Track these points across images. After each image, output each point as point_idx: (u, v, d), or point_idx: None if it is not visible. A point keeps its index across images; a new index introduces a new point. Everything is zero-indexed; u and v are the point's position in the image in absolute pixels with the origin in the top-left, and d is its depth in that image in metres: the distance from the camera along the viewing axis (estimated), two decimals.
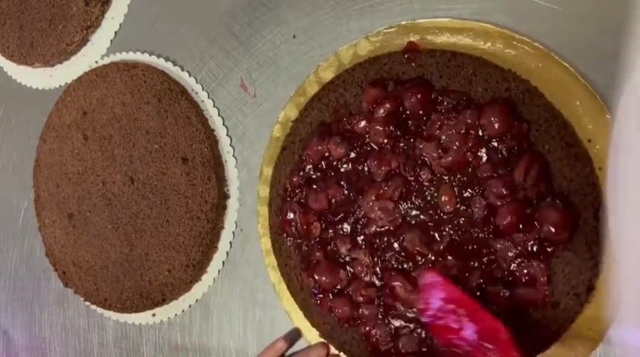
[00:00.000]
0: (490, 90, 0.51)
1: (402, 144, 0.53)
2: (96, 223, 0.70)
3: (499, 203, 0.49)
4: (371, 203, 0.54)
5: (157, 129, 0.65)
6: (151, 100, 0.66)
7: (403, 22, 0.55)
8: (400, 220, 0.53)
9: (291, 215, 0.58)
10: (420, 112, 0.53)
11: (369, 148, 0.55)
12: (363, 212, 0.54)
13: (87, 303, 0.73)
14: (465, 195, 0.51)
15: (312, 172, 0.58)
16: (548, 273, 0.49)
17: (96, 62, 0.74)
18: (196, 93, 0.67)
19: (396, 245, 0.53)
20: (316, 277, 0.56)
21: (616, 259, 0.43)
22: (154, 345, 0.70)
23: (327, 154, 0.56)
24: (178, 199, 0.64)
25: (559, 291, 0.49)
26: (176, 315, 0.68)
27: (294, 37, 0.61)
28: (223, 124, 0.65)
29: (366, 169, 0.55)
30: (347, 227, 0.55)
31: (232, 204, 0.64)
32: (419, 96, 0.52)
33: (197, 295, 0.66)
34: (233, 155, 0.65)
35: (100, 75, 0.70)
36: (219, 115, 0.66)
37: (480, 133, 0.50)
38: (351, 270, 0.55)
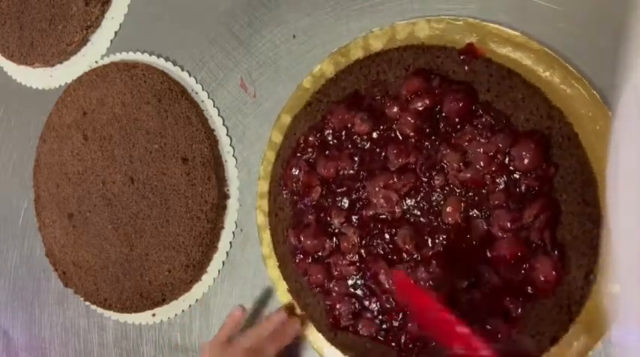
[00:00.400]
0: (532, 121, 0.49)
1: (426, 143, 0.52)
2: (96, 223, 0.70)
3: (499, 234, 0.49)
4: (377, 188, 0.53)
5: (157, 129, 0.65)
6: (151, 100, 0.66)
7: (470, 19, 0.52)
8: (399, 214, 0.53)
9: (295, 171, 0.57)
10: (456, 119, 0.51)
11: (393, 135, 0.53)
12: (366, 194, 0.54)
13: (87, 303, 0.73)
14: (470, 213, 0.50)
15: (329, 138, 0.56)
16: (522, 313, 0.48)
17: (96, 62, 0.74)
18: (196, 93, 0.67)
19: (387, 236, 0.53)
20: (302, 239, 0.56)
21: (616, 258, 0.43)
22: (154, 345, 0.70)
23: (350, 125, 0.55)
24: (178, 199, 0.64)
25: (524, 330, 0.48)
26: (176, 315, 0.68)
27: (294, 37, 0.61)
28: (223, 124, 0.65)
29: (383, 154, 0.54)
30: (346, 202, 0.55)
31: (232, 204, 0.64)
32: (461, 104, 0.50)
33: (197, 295, 0.66)
34: (233, 155, 0.65)
35: (100, 75, 0.70)
36: (219, 115, 0.66)
37: (507, 161, 0.49)
38: (337, 243, 0.55)
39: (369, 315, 0.54)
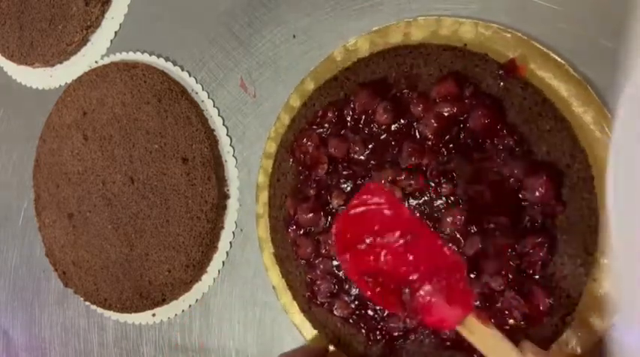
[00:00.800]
0: (553, 155, 0.48)
1: (443, 149, 0.51)
2: (96, 223, 0.70)
3: (491, 255, 0.48)
4: (383, 181, 0.52)
5: (157, 129, 0.65)
6: (151, 100, 0.66)
7: (519, 34, 0.50)
8: None
9: (306, 143, 0.57)
10: (479, 133, 0.50)
11: (411, 133, 0.52)
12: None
13: (87, 303, 0.73)
14: (468, 229, 0.49)
15: (348, 118, 0.55)
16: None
17: (96, 62, 0.74)
18: (196, 93, 0.67)
19: None
20: (298, 210, 0.56)
21: (616, 258, 0.43)
22: (153, 345, 0.70)
23: (371, 112, 0.54)
24: (178, 199, 0.64)
25: None
26: (176, 315, 0.68)
27: (294, 37, 0.61)
28: (223, 124, 0.65)
29: (397, 148, 0.52)
30: (349, 186, 0.55)
31: (232, 204, 0.64)
32: (488, 120, 0.49)
33: (197, 295, 0.66)
34: (233, 155, 0.65)
35: (100, 75, 0.70)
36: (219, 115, 0.66)
37: (516, 188, 0.48)
38: (331, 222, 0.55)
39: (345, 298, 0.54)
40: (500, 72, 0.50)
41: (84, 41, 0.74)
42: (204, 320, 0.66)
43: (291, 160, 0.58)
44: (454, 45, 0.52)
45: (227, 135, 0.65)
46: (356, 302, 0.54)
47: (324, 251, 0.55)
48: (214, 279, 0.65)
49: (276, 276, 0.60)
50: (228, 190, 0.65)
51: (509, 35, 0.50)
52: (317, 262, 0.56)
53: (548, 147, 0.48)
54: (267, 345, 0.62)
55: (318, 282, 0.56)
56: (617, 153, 0.41)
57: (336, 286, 0.55)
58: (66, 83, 0.76)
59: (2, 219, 0.84)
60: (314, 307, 0.57)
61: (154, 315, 0.69)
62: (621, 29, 0.38)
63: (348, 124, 0.55)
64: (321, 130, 0.57)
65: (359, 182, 0.54)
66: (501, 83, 0.50)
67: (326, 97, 0.57)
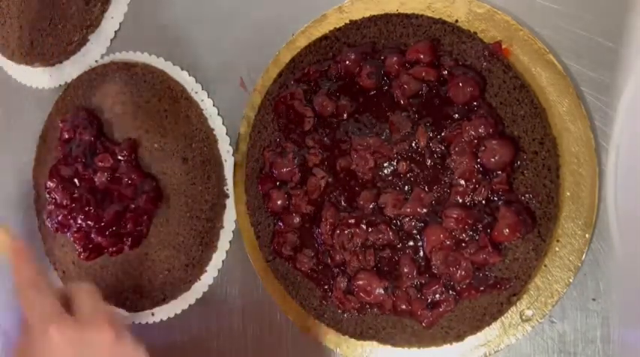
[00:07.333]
0: (524, 140, 0.49)
1: (429, 123, 0.51)
2: None
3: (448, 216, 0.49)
4: (359, 146, 0.53)
5: (157, 128, 0.65)
6: (151, 99, 0.66)
7: (508, 17, 0.50)
8: (370, 177, 0.53)
9: (289, 97, 0.57)
10: (458, 105, 0.50)
11: (394, 100, 0.52)
12: (348, 146, 0.54)
13: None
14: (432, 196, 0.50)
15: (334, 78, 0.56)
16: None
17: (96, 62, 0.74)
18: (196, 92, 0.66)
19: (352, 191, 0.54)
20: (274, 165, 0.58)
21: (619, 259, 0.43)
22: (153, 344, 0.69)
23: (355, 75, 0.55)
24: (178, 199, 0.64)
25: None
26: (175, 314, 0.67)
27: (292, 35, 0.61)
28: (223, 124, 0.65)
29: (378, 115, 0.53)
30: (327, 145, 0.56)
31: (232, 203, 0.64)
32: (470, 89, 0.49)
33: (197, 294, 0.66)
34: (232, 155, 0.65)
35: (100, 74, 0.70)
36: (218, 114, 0.66)
37: (479, 153, 0.49)
38: (304, 178, 0.56)
39: (307, 253, 0.57)
40: (486, 53, 0.50)
41: (84, 41, 0.74)
42: (204, 320, 0.66)
43: (273, 115, 0.59)
44: (445, 20, 0.53)
45: (226, 134, 0.65)
46: (315, 260, 0.56)
47: (292, 207, 0.57)
48: (214, 278, 0.65)
49: (247, 224, 0.61)
50: (227, 190, 0.65)
51: (499, 17, 0.51)
52: (285, 215, 0.57)
53: (520, 132, 0.49)
54: (267, 344, 0.62)
55: (284, 235, 0.57)
56: (617, 152, 0.41)
57: (300, 242, 0.57)
58: (66, 83, 0.76)
59: (2, 219, 0.83)
60: (278, 258, 0.59)
61: (153, 314, 0.69)
62: (621, 29, 0.38)
63: (335, 80, 0.56)
64: (306, 87, 0.57)
65: (336, 143, 0.55)
66: (484, 63, 0.50)
67: (315, 55, 0.58)
